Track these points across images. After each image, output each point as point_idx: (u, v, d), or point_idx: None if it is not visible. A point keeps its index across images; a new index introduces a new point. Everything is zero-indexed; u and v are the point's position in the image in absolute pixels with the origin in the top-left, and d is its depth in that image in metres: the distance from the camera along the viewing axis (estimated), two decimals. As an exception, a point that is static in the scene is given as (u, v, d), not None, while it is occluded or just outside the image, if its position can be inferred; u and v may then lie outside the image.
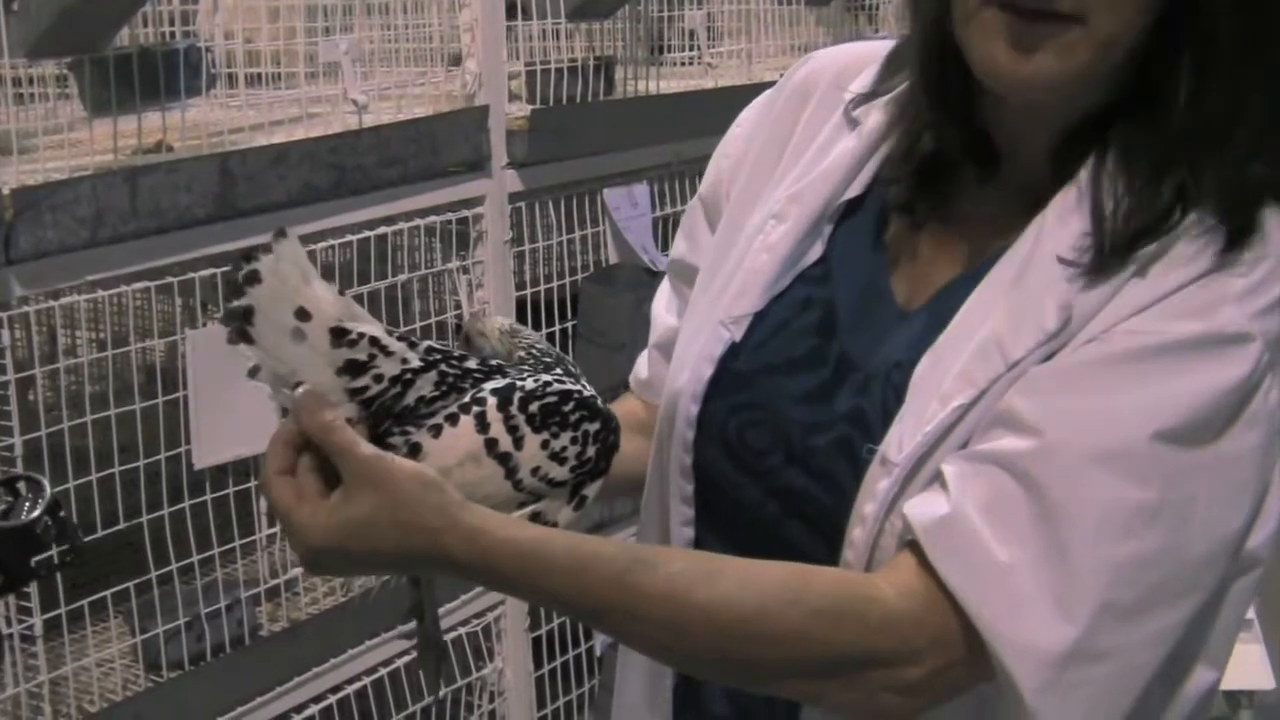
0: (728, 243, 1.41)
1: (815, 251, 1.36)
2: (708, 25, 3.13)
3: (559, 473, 1.23)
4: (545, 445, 1.23)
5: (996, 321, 1.21)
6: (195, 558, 2.12)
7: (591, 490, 1.26)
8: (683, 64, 3.21)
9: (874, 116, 1.36)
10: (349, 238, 2.29)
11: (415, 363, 1.22)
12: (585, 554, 1.17)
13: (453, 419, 1.22)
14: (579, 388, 1.26)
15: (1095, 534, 1.13)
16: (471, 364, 1.25)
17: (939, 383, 1.21)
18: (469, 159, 2.50)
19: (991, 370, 1.19)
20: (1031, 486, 1.14)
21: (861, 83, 1.39)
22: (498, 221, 2.55)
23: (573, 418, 1.24)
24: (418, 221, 2.41)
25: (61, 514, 1.29)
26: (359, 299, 2.22)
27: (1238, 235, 1.17)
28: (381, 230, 2.35)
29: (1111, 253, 1.18)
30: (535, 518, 1.23)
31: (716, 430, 1.34)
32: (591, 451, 1.25)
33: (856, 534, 1.22)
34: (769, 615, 1.16)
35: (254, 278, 1.18)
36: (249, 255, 1.18)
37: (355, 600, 2.34)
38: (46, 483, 1.29)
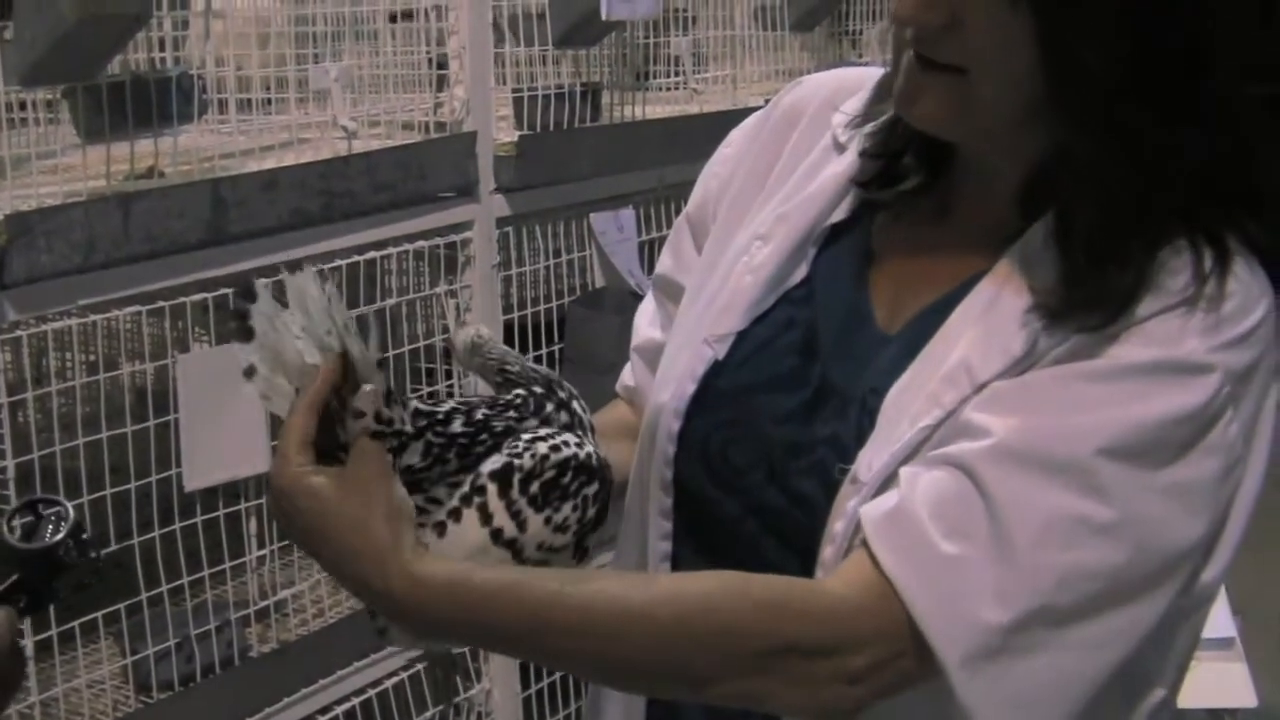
0: (713, 262, 1.43)
1: (799, 273, 1.37)
2: (694, 51, 3.15)
3: (562, 540, 1.26)
4: (548, 521, 1.25)
5: (966, 347, 1.23)
6: (185, 579, 2.13)
7: (593, 540, 1.28)
8: (668, 89, 3.23)
9: (861, 141, 1.38)
10: (338, 263, 2.31)
11: (406, 428, 1.24)
12: (515, 575, 1.20)
13: (455, 515, 1.24)
14: (574, 450, 1.26)
15: (1038, 538, 1.15)
16: (456, 427, 1.26)
17: (910, 405, 1.23)
18: (457, 184, 2.53)
19: (958, 393, 1.21)
20: (981, 485, 1.16)
21: (850, 107, 1.41)
22: (485, 246, 2.58)
23: (572, 487, 1.26)
24: (406, 247, 2.44)
25: (84, 535, 1.30)
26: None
27: (1206, 272, 1.19)
28: (371, 255, 2.37)
29: (1071, 291, 1.20)
30: None
31: (698, 446, 1.36)
32: (592, 512, 1.27)
33: (828, 553, 1.24)
34: (713, 609, 1.17)
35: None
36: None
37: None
38: (69, 505, 1.30)
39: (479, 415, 1.28)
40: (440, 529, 1.24)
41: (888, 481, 1.22)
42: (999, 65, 1.19)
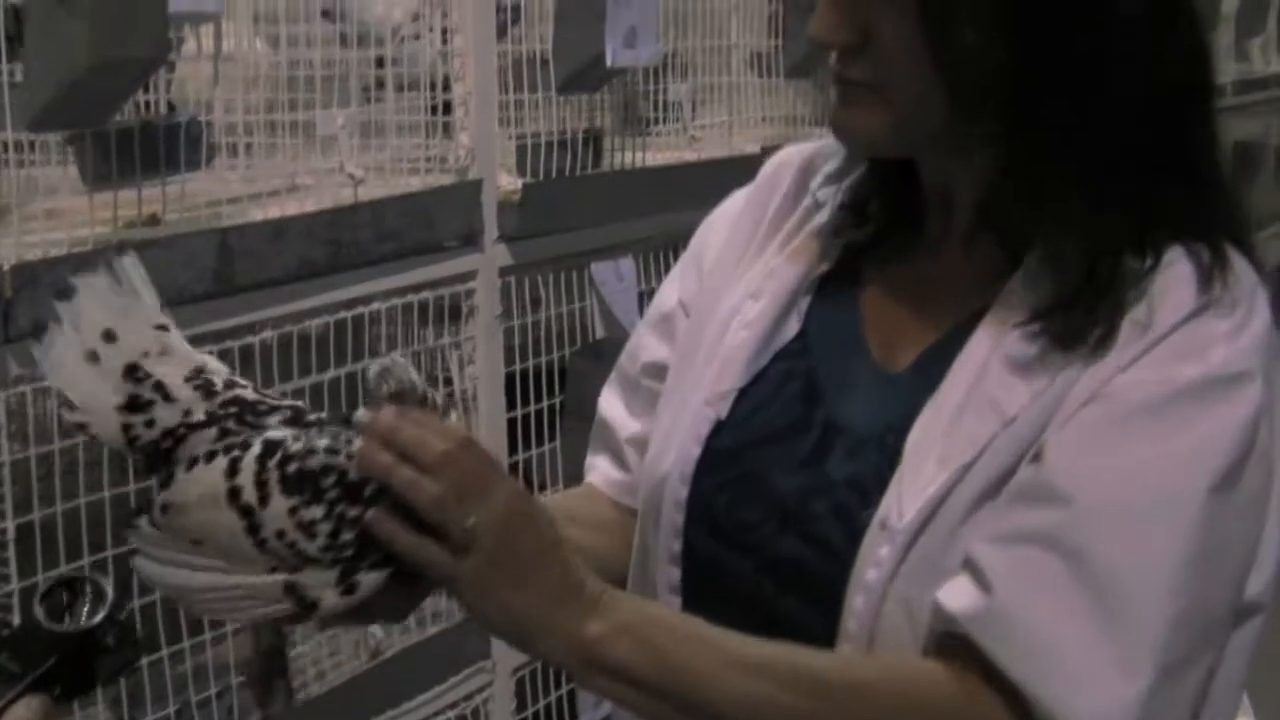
0: (698, 330, 1.41)
1: (792, 327, 1.37)
2: (693, 98, 3.13)
3: (309, 547, 1.18)
4: (293, 512, 1.18)
5: (985, 381, 1.21)
6: (186, 643, 2.07)
7: (366, 580, 1.19)
8: (666, 134, 3.21)
9: (842, 195, 1.39)
10: (343, 314, 2.26)
11: (197, 416, 1.20)
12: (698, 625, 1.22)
13: (210, 456, 1.19)
14: (347, 465, 1.18)
15: (1141, 594, 1.14)
16: (274, 420, 1.22)
17: (934, 445, 1.21)
18: (462, 233, 2.49)
19: (988, 428, 1.20)
20: (1070, 556, 1.14)
21: (829, 167, 1.42)
22: (489, 296, 2.53)
23: (330, 494, 1.18)
24: (411, 298, 2.39)
25: (123, 617, 1.23)
26: (350, 376, 2.20)
27: (1209, 275, 1.20)
28: (375, 306, 2.32)
29: (1078, 315, 1.20)
30: (291, 588, 1.18)
31: (705, 510, 1.33)
32: (348, 537, 1.18)
33: (859, 602, 1.21)
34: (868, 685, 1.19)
35: (70, 292, 1.19)
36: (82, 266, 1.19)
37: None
38: (108, 584, 1.23)
39: (314, 416, 1.24)
40: (190, 464, 1.19)
41: (922, 528, 1.20)
42: (908, 77, 1.22)
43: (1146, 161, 1.23)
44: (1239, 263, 1.23)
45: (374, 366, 1.25)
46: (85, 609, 1.23)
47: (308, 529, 1.18)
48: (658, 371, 1.47)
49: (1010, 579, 1.15)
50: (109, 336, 1.19)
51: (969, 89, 1.21)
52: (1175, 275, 1.20)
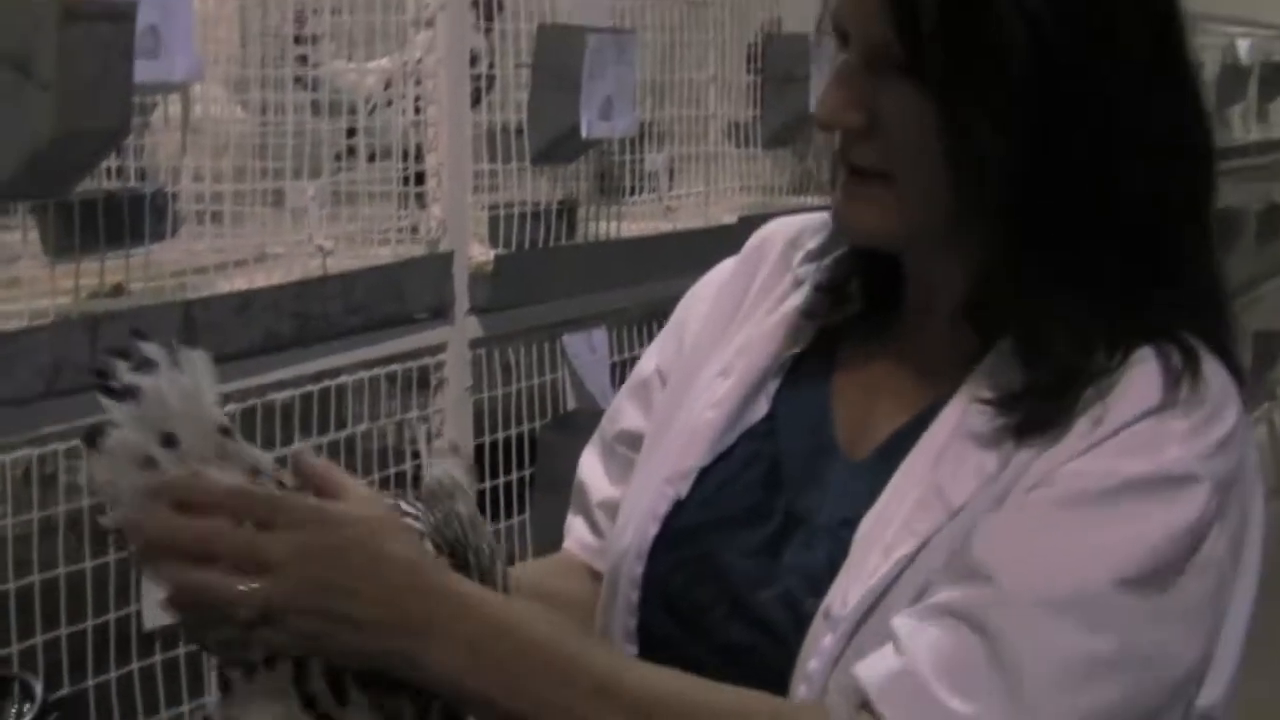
0: (675, 403, 1.41)
1: (760, 408, 1.36)
2: (670, 167, 3.12)
3: None
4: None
5: (937, 472, 1.20)
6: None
7: None
8: (641, 204, 3.20)
9: (820, 275, 1.38)
10: (309, 387, 2.23)
11: None
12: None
13: None
14: None
15: (1054, 684, 1.11)
16: None
17: (883, 534, 1.20)
18: (432, 305, 2.46)
19: (933, 520, 1.19)
20: (986, 635, 1.13)
21: (813, 244, 1.40)
22: (459, 369, 2.51)
23: None
24: (379, 371, 2.36)
25: (54, 716, 1.19)
26: (317, 449, 2.17)
27: (1176, 376, 1.18)
28: (343, 379, 2.29)
29: (1042, 406, 1.19)
30: None
31: (661, 589, 1.33)
32: None
33: (802, 691, 1.20)
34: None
35: (132, 394, 1.11)
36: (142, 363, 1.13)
37: None
38: (37, 683, 1.19)
39: None
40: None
41: (865, 618, 1.18)
42: (918, 165, 1.20)
43: (1139, 264, 1.22)
44: (1212, 368, 1.21)
45: (433, 469, 1.24)
46: (14, 710, 1.20)
47: None
48: (631, 440, 1.47)
49: (922, 646, 1.14)
50: (168, 442, 1.12)
51: (976, 181, 1.20)
52: (1141, 373, 1.19)
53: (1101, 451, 1.16)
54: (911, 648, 1.14)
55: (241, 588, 1.10)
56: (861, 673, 1.16)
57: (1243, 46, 5.95)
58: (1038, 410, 1.19)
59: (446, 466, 1.23)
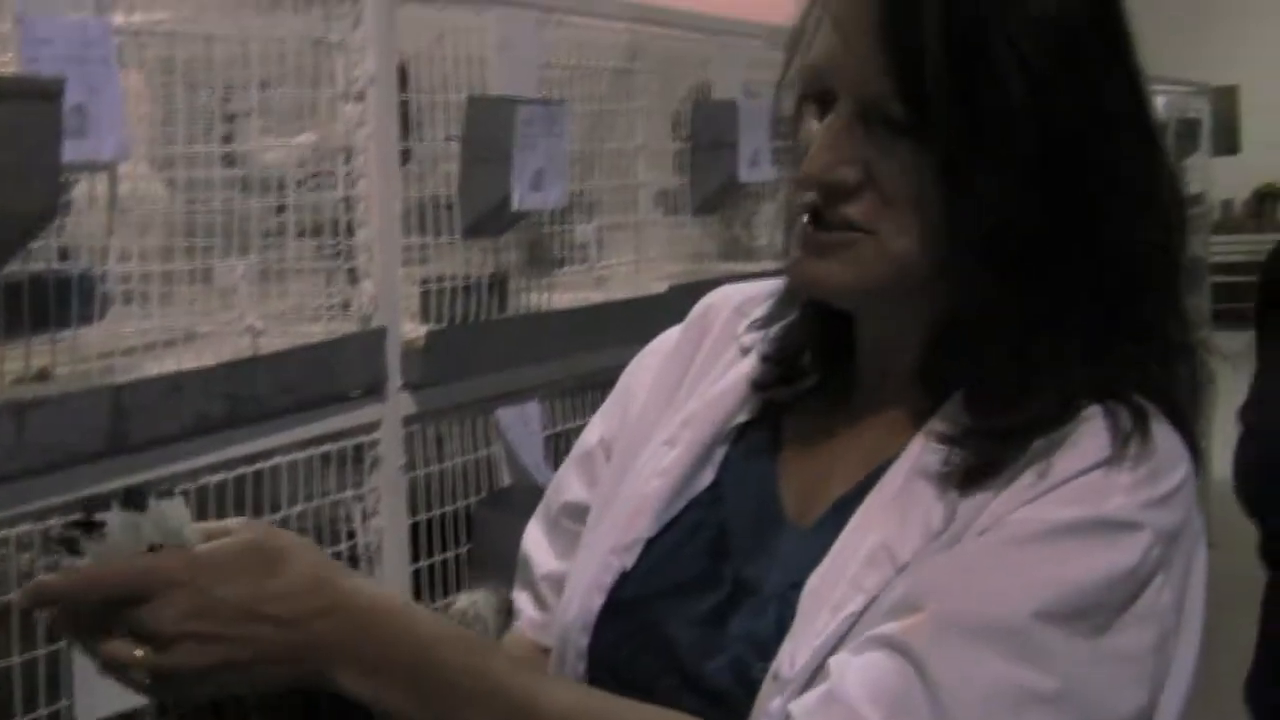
0: (620, 473, 1.40)
1: (706, 477, 1.35)
2: (599, 238, 3.10)
3: None
4: None
5: (884, 529, 1.20)
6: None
7: None
8: (572, 275, 3.18)
9: (768, 346, 1.37)
10: (242, 470, 2.19)
11: None
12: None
13: None
14: None
15: (982, 711, 1.11)
16: None
17: (831, 594, 1.20)
18: (365, 382, 2.42)
19: (881, 576, 1.18)
20: (915, 661, 1.12)
21: (758, 314, 1.40)
22: (393, 446, 2.47)
23: None
24: (312, 451, 2.32)
25: None
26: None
27: (1126, 436, 1.18)
28: (277, 460, 2.25)
29: (992, 446, 1.19)
30: None
31: (607, 661, 1.31)
32: None
33: None
34: None
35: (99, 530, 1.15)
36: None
37: None
38: None
39: None
40: None
41: (813, 677, 1.17)
42: (909, 220, 1.19)
43: (1110, 318, 1.23)
44: (1163, 430, 1.22)
45: (461, 601, 1.25)
46: None
47: None
48: (576, 512, 1.46)
49: (851, 676, 1.14)
50: None
51: (973, 233, 1.19)
52: (1090, 429, 1.20)
53: (1046, 500, 1.17)
54: (840, 675, 1.14)
55: (137, 652, 1.13)
56: (793, 707, 1.16)
57: (1159, 103, 6.03)
58: (987, 451, 1.19)
59: (478, 599, 1.25)
